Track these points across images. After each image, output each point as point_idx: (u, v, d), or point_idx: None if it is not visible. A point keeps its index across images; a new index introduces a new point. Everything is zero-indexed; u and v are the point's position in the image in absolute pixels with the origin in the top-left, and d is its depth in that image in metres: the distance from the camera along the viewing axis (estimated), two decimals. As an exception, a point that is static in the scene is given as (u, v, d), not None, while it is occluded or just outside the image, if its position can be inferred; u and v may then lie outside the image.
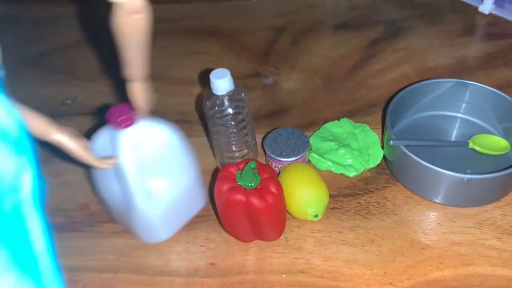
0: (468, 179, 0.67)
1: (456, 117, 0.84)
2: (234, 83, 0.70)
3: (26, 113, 0.57)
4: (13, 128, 0.36)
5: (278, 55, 1.04)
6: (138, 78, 0.60)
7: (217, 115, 0.72)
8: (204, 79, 0.71)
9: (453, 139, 0.82)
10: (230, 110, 0.72)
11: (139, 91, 0.61)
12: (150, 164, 0.63)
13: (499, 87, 0.87)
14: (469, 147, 0.77)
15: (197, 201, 0.74)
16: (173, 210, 0.69)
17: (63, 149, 0.60)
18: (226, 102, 0.71)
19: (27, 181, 0.37)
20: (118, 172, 0.63)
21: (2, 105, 0.36)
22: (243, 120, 0.74)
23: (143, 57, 0.57)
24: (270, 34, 1.09)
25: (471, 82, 0.80)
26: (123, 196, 0.65)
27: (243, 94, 0.72)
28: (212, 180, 0.78)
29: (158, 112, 0.94)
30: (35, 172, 0.38)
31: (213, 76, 0.68)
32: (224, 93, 0.70)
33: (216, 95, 0.70)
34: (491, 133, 0.81)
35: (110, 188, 0.66)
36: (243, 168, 0.65)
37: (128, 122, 0.61)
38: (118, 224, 0.73)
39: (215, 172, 0.81)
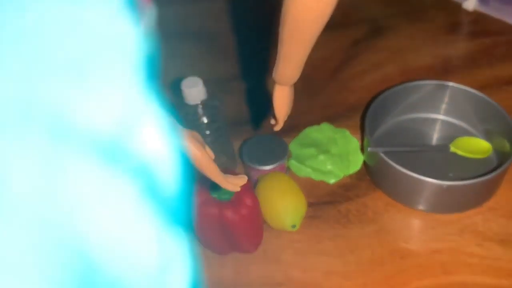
0: (448, 186, 0.66)
1: (437, 119, 0.83)
2: (209, 89, 0.68)
3: None
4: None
5: (258, 58, 1.02)
6: (289, 81, 0.52)
7: (191, 124, 0.70)
8: (179, 86, 0.69)
9: (434, 141, 0.81)
10: (204, 119, 0.70)
11: (285, 96, 0.54)
12: None
13: (482, 87, 0.86)
14: (450, 151, 0.76)
15: None
16: None
17: (189, 157, 0.49)
18: (200, 111, 0.69)
19: None
20: None
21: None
22: (219, 128, 0.72)
23: (305, 56, 0.49)
24: (250, 36, 1.07)
25: (451, 84, 0.79)
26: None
27: (217, 101, 0.71)
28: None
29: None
30: None
31: (184, 85, 0.66)
32: (197, 102, 0.68)
33: (189, 105, 0.68)
34: (472, 134, 0.80)
35: None
36: (217, 180, 0.63)
37: None
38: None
39: (193, 181, 0.79)
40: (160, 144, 0.24)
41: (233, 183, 0.54)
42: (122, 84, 0.22)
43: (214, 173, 0.51)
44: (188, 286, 0.24)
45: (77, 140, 0.20)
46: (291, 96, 0.56)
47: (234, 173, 0.65)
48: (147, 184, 0.23)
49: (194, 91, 0.66)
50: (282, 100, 0.56)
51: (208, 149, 0.55)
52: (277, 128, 0.61)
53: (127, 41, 0.23)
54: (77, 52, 0.21)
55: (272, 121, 0.60)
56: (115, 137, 0.22)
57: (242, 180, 0.54)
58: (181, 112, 0.70)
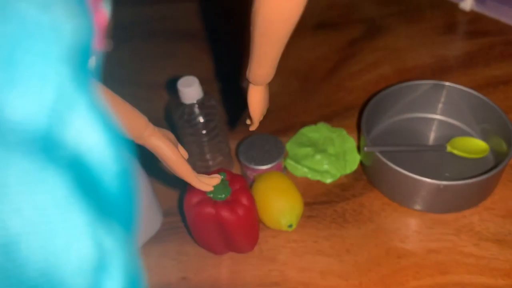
0: (445, 186, 0.65)
1: (434, 119, 0.83)
2: (205, 88, 0.68)
3: (122, 108, 0.46)
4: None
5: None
6: (263, 81, 0.51)
7: (187, 124, 0.69)
8: (174, 86, 0.69)
9: (431, 141, 0.80)
10: (200, 119, 0.70)
11: (259, 97, 0.53)
12: None
13: (479, 87, 0.86)
14: (447, 151, 0.76)
15: (153, 223, 0.71)
16: None
17: (158, 156, 0.49)
18: (196, 111, 0.69)
19: None
20: None
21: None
22: (215, 127, 0.72)
23: (278, 55, 0.48)
24: (246, 36, 1.07)
25: (448, 83, 0.79)
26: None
27: (213, 100, 0.70)
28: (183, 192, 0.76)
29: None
30: None
31: (180, 84, 0.66)
32: (193, 101, 0.67)
33: (185, 104, 0.68)
34: (469, 134, 0.80)
35: None
36: (213, 180, 0.63)
37: None
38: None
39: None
40: (95, 135, 0.22)
41: (206, 183, 0.54)
42: (53, 74, 0.21)
43: (186, 173, 0.51)
44: (124, 287, 0.23)
45: (4, 131, 0.19)
46: (266, 96, 0.55)
47: (230, 172, 0.65)
48: (81, 176, 0.22)
49: (190, 90, 0.66)
50: (256, 100, 0.55)
51: (181, 148, 0.55)
52: (253, 128, 0.60)
53: (61, 30, 0.21)
54: (5, 41, 0.20)
55: (248, 121, 0.60)
56: (45, 128, 0.20)
57: (215, 180, 0.55)
58: (177, 111, 0.69)
